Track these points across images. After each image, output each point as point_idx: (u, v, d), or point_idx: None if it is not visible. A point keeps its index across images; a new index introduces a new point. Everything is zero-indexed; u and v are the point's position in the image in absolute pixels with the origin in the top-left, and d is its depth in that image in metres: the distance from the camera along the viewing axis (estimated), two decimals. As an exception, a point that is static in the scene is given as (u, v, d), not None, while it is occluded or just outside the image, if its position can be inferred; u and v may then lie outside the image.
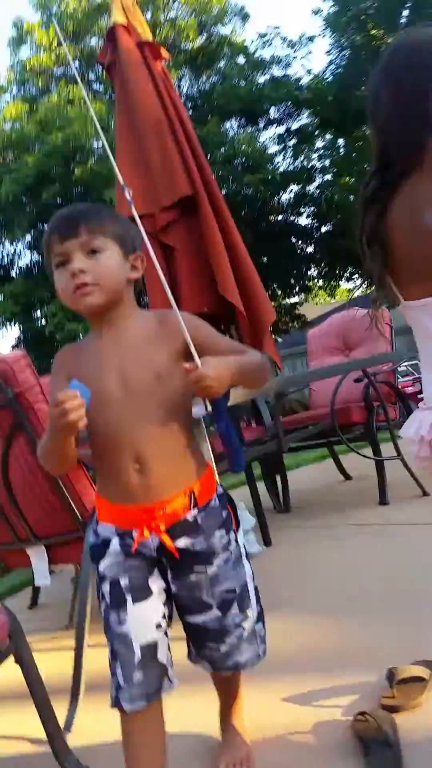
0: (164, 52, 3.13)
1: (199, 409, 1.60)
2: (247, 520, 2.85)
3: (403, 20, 13.61)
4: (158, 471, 1.17)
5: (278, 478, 3.72)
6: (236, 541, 1.27)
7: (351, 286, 19.41)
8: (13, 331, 16.09)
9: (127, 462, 1.17)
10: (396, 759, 1.22)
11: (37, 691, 1.43)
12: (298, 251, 17.42)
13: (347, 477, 4.11)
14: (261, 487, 3.89)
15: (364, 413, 3.35)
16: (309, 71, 16.31)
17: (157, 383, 1.18)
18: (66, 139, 12.42)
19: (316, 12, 15.78)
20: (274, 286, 17.41)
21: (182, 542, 1.20)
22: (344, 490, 3.92)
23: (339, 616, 1.97)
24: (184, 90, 16.41)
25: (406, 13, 13.79)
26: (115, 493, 1.21)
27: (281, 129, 16.52)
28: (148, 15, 15.30)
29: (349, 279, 18.53)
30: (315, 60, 32.98)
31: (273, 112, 16.13)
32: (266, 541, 2.93)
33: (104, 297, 1.17)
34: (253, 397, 3.42)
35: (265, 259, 15.80)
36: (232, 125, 16.09)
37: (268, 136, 16.69)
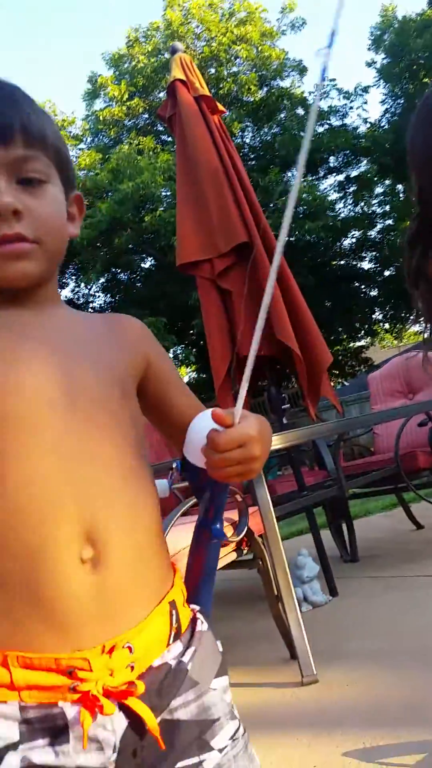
0: (220, 106, 3.27)
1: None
2: (311, 567, 2.77)
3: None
4: (126, 563, 0.64)
5: (344, 526, 3.60)
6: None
7: (419, 328, 19.05)
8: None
9: (69, 544, 0.61)
10: None
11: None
12: (362, 295, 17.36)
13: (418, 526, 3.93)
14: (327, 535, 3.80)
15: (430, 458, 3.23)
16: (365, 120, 16.60)
17: (122, 402, 0.70)
18: (136, 188, 13.01)
19: (370, 64, 16.15)
20: (339, 329, 17.33)
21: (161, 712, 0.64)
22: (415, 539, 3.75)
23: (409, 670, 1.86)
24: (247, 141, 16.98)
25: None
26: (33, 625, 0.59)
27: (341, 177, 16.78)
28: (212, 70, 16.08)
29: (416, 321, 18.24)
30: (371, 109, 33.59)
31: (332, 161, 16.42)
32: (332, 591, 2.83)
33: (44, 265, 0.69)
34: (314, 439, 3.37)
35: (329, 304, 15.81)
36: (293, 174, 16.46)
37: (328, 183, 16.96)
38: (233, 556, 2.10)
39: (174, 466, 0.72)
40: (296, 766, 1.47)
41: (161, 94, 16.20)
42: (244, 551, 2.15)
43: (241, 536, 2.09)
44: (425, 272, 1.04)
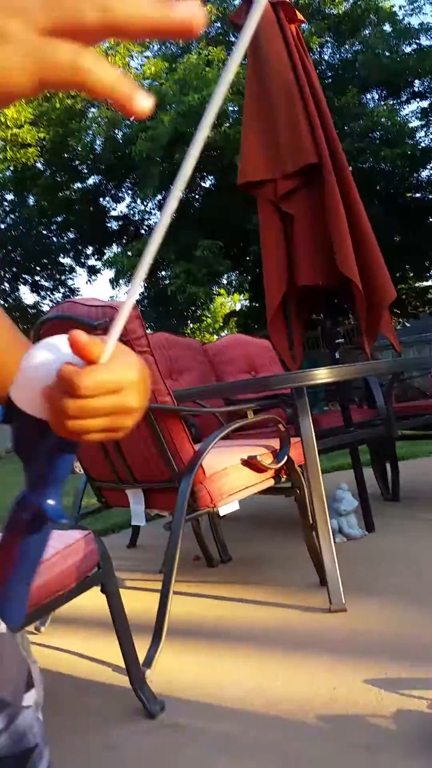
0: (299, 15, 3.03)
1: None
2: (349, 501, 2.77)
3: None
4: None
5: (389, 467, 3.58)
6: None
7: None
8: (138, 289, 16.80)
9: None
10: None
11: (120, 622, 1.49)
12: (435, 232, 16.48)
13: (465, 470, 3.88)
14: (370, 473, 3.78)
15: None
16: (461, 40, 15.20)
17: None
18: (202, 101, 12.44)
19: None
20: (406, 267, 16.64)
21: None
22: (460, 484, 3.71)
23: (436, 609, 1.88)
24: (326, 57, 15.92)
25: None
26: None
27: (425, 103, 15.60)
28: (292, -22, 14.93)
29: None
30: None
31: (417, 85, 15.24)
32: (368, 526, 2.84)
33: None
34: (366, 376, 3.31)
35: (398, 238, 15.11)
36: (372, 97, 15.43)
37: (410, 109, 15.88)
38: (271, 482, 2.12)
39: None
40: (317, 687, 1.52)
41: (236, 1, 15.21)
42: (282, 479, 2.16)
43: (281, 464, 2.10)
44: None
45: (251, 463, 2.02)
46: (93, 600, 1.54)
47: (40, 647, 2.03)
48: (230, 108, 13.11)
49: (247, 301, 18.54)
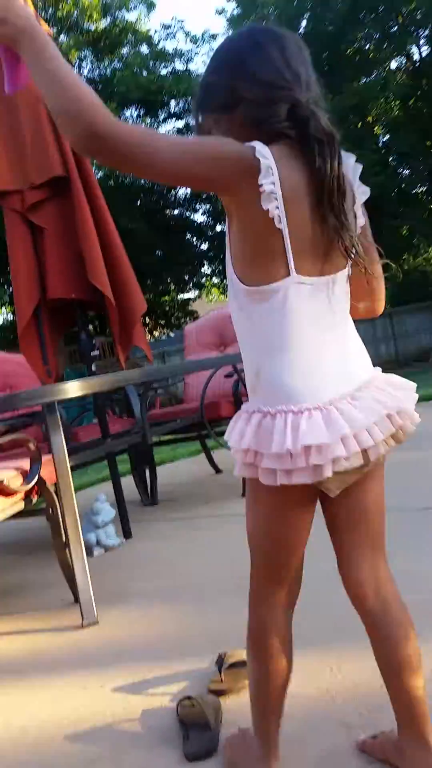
0: (45, 25, 2.99)
1: None
2: (107, 512, 2.81)
3: (301, 29, 14.00)
4: None
5: (148, 472, 3.71)
6: None
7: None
8: None
9: None
10: (212, 742, 1.24)
11: None
12: (193, 248, 17.53)
13: (217, 470, 4.18)
14: (130, 481, 3.88)
15: (233, 408, 3.41)
16: (210, 69, 16.44)
17: None
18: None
19: (220, 12, 15.97)
20: (168, 280, 17.40)
21: None
22: (212, 483, 3.99)
23: (184, 605, 1.99)
24: (85, 72, 15.97)
25: (304, 23, 14.23)
26: None
27: (180, 123, 16.54)
28: (51, -11, 14.74)
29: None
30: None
31: (173, 106, 16.09)
32: (126, 534, 2.91)
33: None
34: (125, 387, 3.39)
35: (159, 253, 15.75)
36: (132, 114, 15.88)
37: (167, 129, 16.64)
38: (21, 506, 2.05)
39: None
40: (63, 709, 1.50)
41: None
42: (34, 500, 2.11)
43: (31, 485, 2.04)
44: None
45: (-2, 486, 1.94)
46: None
47: None
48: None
49: (11, 315, 17.62)
